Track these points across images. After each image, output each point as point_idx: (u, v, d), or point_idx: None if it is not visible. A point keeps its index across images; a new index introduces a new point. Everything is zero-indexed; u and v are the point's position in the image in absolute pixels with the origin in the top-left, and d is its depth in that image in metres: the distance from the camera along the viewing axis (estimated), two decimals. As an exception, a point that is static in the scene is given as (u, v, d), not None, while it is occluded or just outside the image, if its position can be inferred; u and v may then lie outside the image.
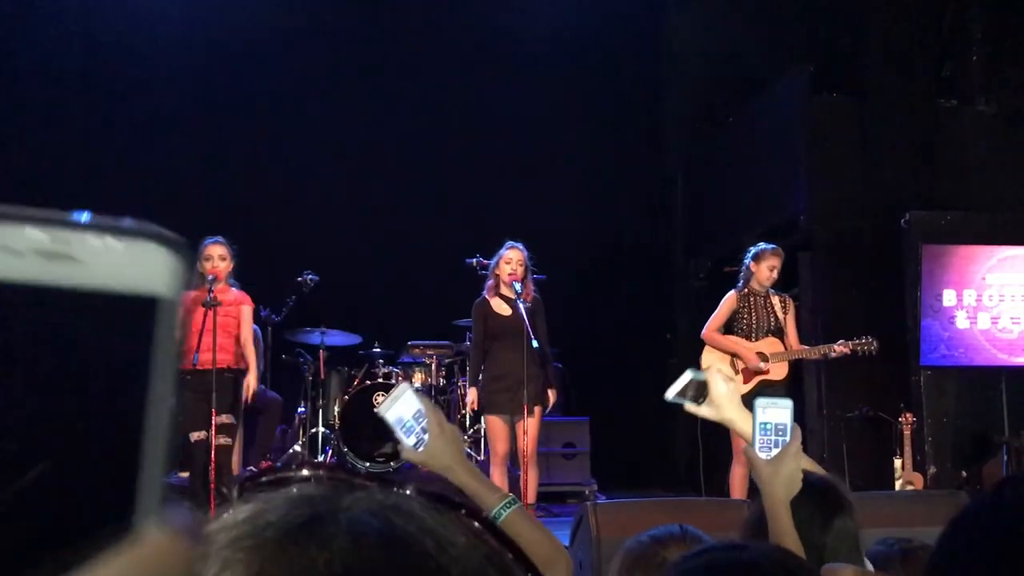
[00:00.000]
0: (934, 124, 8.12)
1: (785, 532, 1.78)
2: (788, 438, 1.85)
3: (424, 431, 1.88)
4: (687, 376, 1.99)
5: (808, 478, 2.04)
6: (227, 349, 5.74)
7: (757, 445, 1.86)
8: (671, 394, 1.98)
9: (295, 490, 0.59)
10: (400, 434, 1.90)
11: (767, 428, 1.86)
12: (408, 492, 0.60)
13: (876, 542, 2.35)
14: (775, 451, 1.85)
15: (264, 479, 0.65)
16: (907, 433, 6.68)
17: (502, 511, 1.85)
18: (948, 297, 7.17)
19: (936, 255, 7.21)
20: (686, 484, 8.76)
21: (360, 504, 0.56)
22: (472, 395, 6.18)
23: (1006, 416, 7.06)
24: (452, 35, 9.77)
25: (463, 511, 0.62)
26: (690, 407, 1.99)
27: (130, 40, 9.29)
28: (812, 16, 8.92)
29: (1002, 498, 1.01)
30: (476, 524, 0.60)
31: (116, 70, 9.25)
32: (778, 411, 1.87)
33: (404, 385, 1.94)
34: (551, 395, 6.05)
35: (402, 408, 1.90)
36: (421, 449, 1.88)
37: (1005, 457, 6.87)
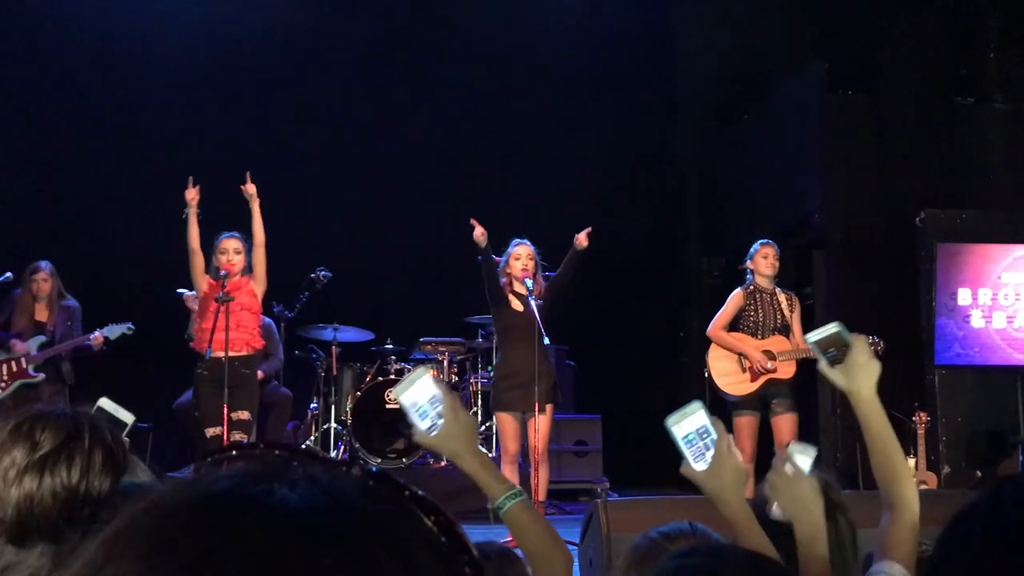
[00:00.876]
0: (950, 122, 8.07)
1: (753, 533, 1.76)
2: (715, 436, 1.82)
3: (439, 416, 1.86)
4: (833, 327, 1.93)
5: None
6: (247, 328, 5.75)
7: (691, 459, 1.82)
8: (813, 337, 1.94)
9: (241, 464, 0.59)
10: (414, 417, 1.87)
11: (691, 440, 1.82)
12: (353, 471, 0.59)
13: None
14: (709, 454, 1.81)
15: (231, 453, 0.65)
16: (921, 433, 6.65)
17: (506, 502, 1.84)
18: (963, 296, 7.13)
19: (951, 254, 7.17)
20: (691, 482, 8.74)
21: (286, 479, 0.55)
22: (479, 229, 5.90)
23: (1021, 416, 7.02)
24: (464, 34, 9.76)
25: (408, 493, 0.60)
26: (823, 365, 1.95)
27: (147, 34, 9.31)
28: (826, 13, 8.87)
29: (1000, 498, 1.00)
30: (422, 509, 0.58)
31: (132, 65, 9.28)
32: (691, 418, 1.82)
33: (421, 369, 1.90)
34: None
35: (418, 392, 1.88)
36: (433, 433, 1.86)
37: (1020, 457, 6.84)
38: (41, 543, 1.18)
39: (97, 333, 6.78)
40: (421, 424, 1.87)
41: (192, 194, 5.85)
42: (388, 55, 9.84)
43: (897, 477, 1.94)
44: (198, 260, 5.77)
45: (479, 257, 5.97)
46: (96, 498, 1.20)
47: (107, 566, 0.52)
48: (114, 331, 6.80)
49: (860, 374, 1.93)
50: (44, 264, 6.96)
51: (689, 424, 1.82)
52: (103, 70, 9.20)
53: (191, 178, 5.90)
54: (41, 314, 6.91)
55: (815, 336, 1.97)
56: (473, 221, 5.92)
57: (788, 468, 1.86)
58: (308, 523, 0.53)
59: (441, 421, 1.86)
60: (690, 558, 1.22)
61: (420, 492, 0.59)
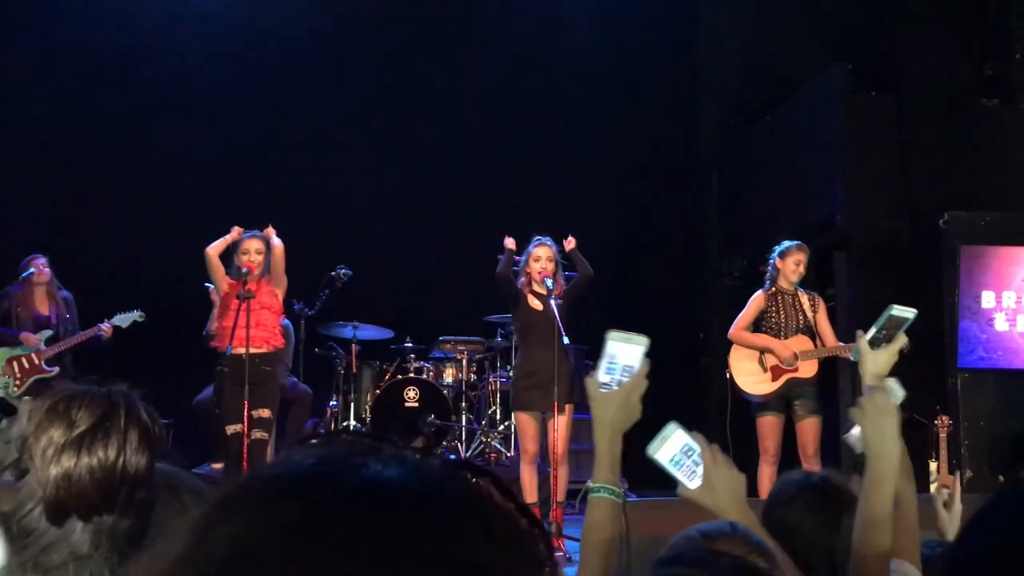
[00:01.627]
0: (974, 123, 8.00)
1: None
2: (699, 451, 1.81)
3: (619, 384, 1.85)
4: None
5: (810, 479, 2.03)
6: (266, 327, 5.78)
7: (685, 480, 1.81)
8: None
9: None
10: (602, 363, 1.86)
11: (678, 461, 1.81)
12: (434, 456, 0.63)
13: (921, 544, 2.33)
14: (700, 469, 1.81)
15: (317, 438, 0.68)
16: (943, 436, 6.59)
17: (598, 494, 1.84)
18: (987, 299, 7.06)
19: (975, 256, 7.11)
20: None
21: (379, 457, 0.59)
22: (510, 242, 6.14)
23: (1044, 420, 6.95)
24: (486, 33, 9.77)
25: (486, 476, 0.64)
26: (864, 346, 2.00)
27: (166, 30, 9.36)
28: (850, 13, 8.82)
29: (1019, 499, 1.00)
30: (498, 490, 0.62)
31: (149, 60, 9.33)
32: (671, 441, 1.81)
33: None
34: None
35: (626, 351, 1.87)
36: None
37: (1043, 462, 6.77)
38: (79, 521, 1.19)
39: (107, 323, 6.81)
40: (601, 375, 1.86)
41: (234, 235, 5.90)
42: (409, 54, 9.86)
43: (901, 472, 1.96)
44: (218, 265, 5.83)
45: (500, 256, 6.00)
46: (133, 476, 1.21)
47: (216, 528, 0.56)
48: (125, 319, 6.83)
49: (866, 362, 2.00)
50: (41, 255, 6.97)
51: (671, 447, 1.82)
52: (120, 66, 9.24)
53: (237, 228, 5.93)
54: (42, 307, 6.94)
55: (877, 326, 2.04)
56: (509, 239, 6.09)
57: (881, 399, 1.85)
58: (401, 493, 0.57)
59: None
60: (671, 568, 1.21)
61: (496, 475, 0.63)
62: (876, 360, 2.01)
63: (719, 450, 1.84)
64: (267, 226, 6.04)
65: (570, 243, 6.19)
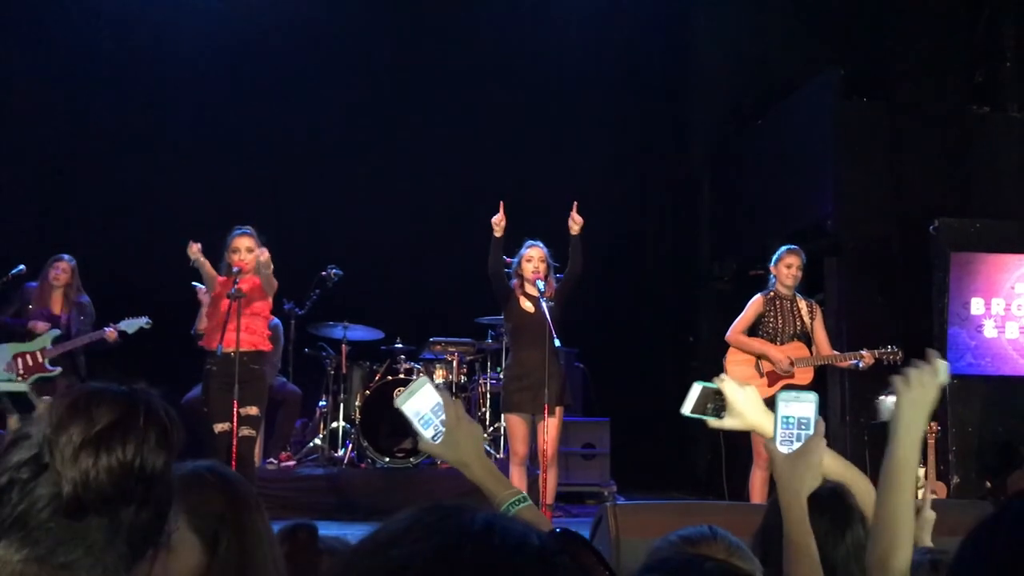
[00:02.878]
0: (965, 130, 8.03)
1: (799, 529, 1.74)
2: (811, 431, 1.80)
3: (443, 424, 1.87)
4: (696, 389, 1.93)
5: (817, 491, 2.02)
6: (254, 331, 5.75)
7: (778, 439, 1.81)
8: (687, 410, 1.93)
9: None
10: (417, 426, 1.88)
11: (789, 422, 1.81)
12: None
13: None
14: (796, 445, 1.79)
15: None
16: (931, 442, 6.61)
17: (510, 508, 1.83)
18: (976, 306, 7.09)
19: (964, 263, 7.14)
20: (705, 487, 8.72)
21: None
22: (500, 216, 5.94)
23: (1032, 427, 6.98)
24: (480, 36, 9.76)
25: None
26: (713, 422, 1.94)
27: (166, 30, 9.35)
28: (842, 19, 8.84)
29: (1020, 512, 0.99)
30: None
31: (149, 61, 9.31)
32: (802, 405, 1.81)
33: (423, 379, 1.92)
34: None
35: (420, 401, 1.89)
36: (438, 441, 1.87)
37: (1031, 468, 6.79)
38: (96, 518, 1.20)
39: (112, 328, 6.81)
40: (425, 432, 1.88)
41: (194, 251, 5.74)
42: (403, 55, 9.85)
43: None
44: (207, 266, 5.77)
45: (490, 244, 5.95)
46: (150, 475, 1.22)
47: None
48: (132, 325, 6.84)
49: (743, 408, 1.92)
50: (67, 256, 7.02)
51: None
52: (120, 65, 9.23)
53: (190, 241, 5.75)
54: (56, 306, 6.95)
55: (688, 406, 1.94)
56: (502, 207, 5.92)
57: (928, 373, 1.83)
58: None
59: (444, 429, 1.87)
60: (656, 574, 1.21)
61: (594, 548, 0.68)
62: (747, 403, 1.96)
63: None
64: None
65: (577, 222, 6.03)
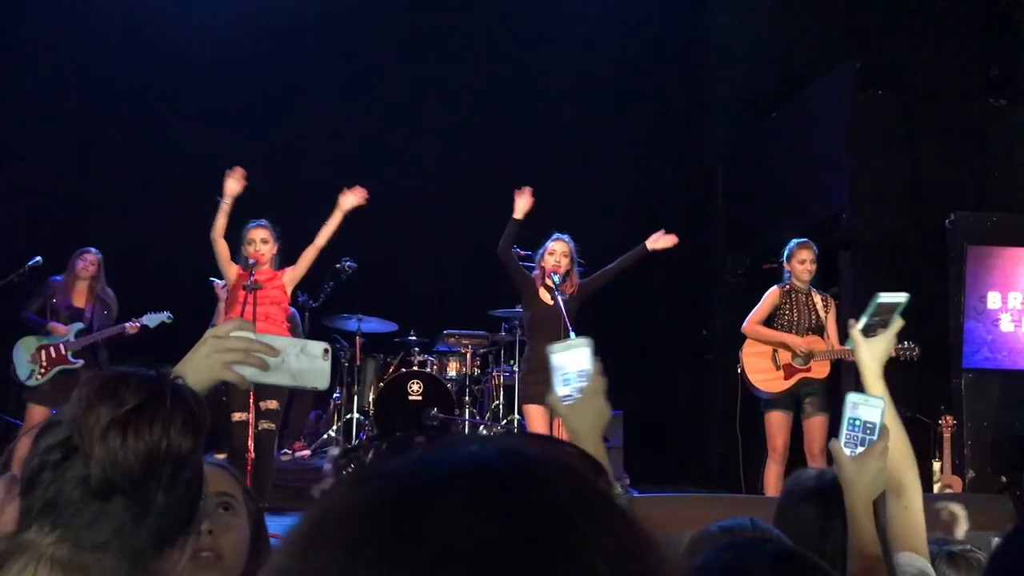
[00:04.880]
0: (982, 123, 7.99)
1: (863, 531, 1.75)
2: (876, 437, 1.80)
3: (579, 391, 1.83)
4: (875, 301, 2.03)
5: (824, 478, 2.03)
6: (273, 319, 5.78)
7: (843, 440, 1.81)
8: (862, 323, 2.03)
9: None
10: (557, 378, 1.84)
11: (855, 424, 1.81)
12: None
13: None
14: (860, 449, 1.80)
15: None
16: (947, 436, 6.59)
17: None
18: (992, 299, 7.05)
19: (981, 256, 7.10)
20: (719, 481, 8.71)
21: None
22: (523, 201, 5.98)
23: (1048, 421, 6.94)
24: (493, 26, 9.76)
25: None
26: (858, 335, 2.04)
27: (183, 26, 9.37)
28: (859, 11, 8.80)
29: None
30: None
31: (165, 57, 9.34)
32: (869, 409, 1.82)
33: (587, 340, 1.88)
34: None
35: (572, 358, 1.85)
36: (567, 403, 1.82)
37: (1047, 463, 6.76)
38: (124, 499, 1.22)
39: (135, 322, 6.87)
40: (560, 389, 1.84)
41: (235, 186, 5.83)
42: (416, 49, 9.84)
43: (905, 463, 1.96)
44: (222, 248, 5.80)
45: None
46: (177, 456, 1.24)
47: (301, 565, 0.56)
48: (153, 320, 6.92)
49: (862, 352, 2.01)
50: (95, 249, 7.07)
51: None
52: (137, 61, 9.26)
53: (238, 168, 5.88)
54: (79, 300, 6.99)
55: (862, 321, 2.04)
56: (528, 192, 5.93)
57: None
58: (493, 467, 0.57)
59: (579, 396, 1.83)
60: (722, 552, 1.24)
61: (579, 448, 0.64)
62: (872, 349, 2.01)
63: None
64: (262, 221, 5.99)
65: (657, 242, 6.30)
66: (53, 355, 6.81)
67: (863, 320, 2.01)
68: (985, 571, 1.07)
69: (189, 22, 9.40)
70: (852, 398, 1.83)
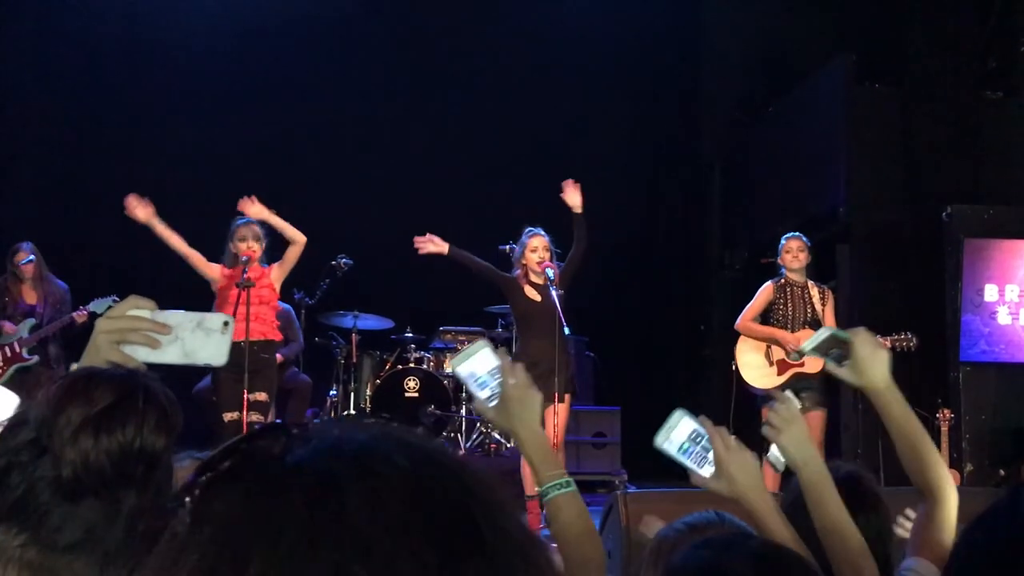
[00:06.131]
0: (978, 116, 7.97)
1: (775, 525, 1.69)
2: (707, 442, 1.74)
3: (498, 387, 1.80)
4: (824, 332, 1.95)
5: (835, 474, 2.00)
6: (263, 319, 5.76)
7: (696, 467, 1.75)
8: (807, 347, 1.95)
9: None
10: (473, 387, 1.82)
11: (687, 449, 1.76)
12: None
13: None
14: (711, 454, 1.74)
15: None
16: (944, 430, 6.57)
17: (551, 490, 1.76)
18: (990, 292, 7.04)
19: (978, 249, 7.09)
20: (717, 476, 8.71)
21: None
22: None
23: (1046, 415, 6.93)
24: (489, 24, 9.73)
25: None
26: (831, 366, 1.94)
27: (169, 22, 9.34)
28: (855, 5, 8.78)
29: (1020, 500, 0.98)
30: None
31: (152, 54, 9.31)
32: (679, 429, 1.76)
33: (482, 342, 1.85)
34: None
35: (477, 363, 1.82)
36: (492, 404, 1.79)
37: (1045, 456, 6.75)
38: (96, 501, 1.20)
39: (82, 309, 6.78)
40: (480, 394, 1.81)
41: (142, 214, 5.73)
42: (412, 45, 9.82)
43: (926, 464, 1.89)
44: (192, 255, 5.77)
45: (503, 247, 5.95)
46: (150, 456, 1.22)
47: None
48: (100, 305, 6.78)
49: (868, 366, 1.89)
50: (25, 245, 6.92)
51: (678, 435, 1.76)
52: (122, 58, 9.23)
53: (132, 197, 5.77)
54: (30, 297, 6.90)
55: (810, 345, 1.96)
56: (418, 239, 6.11)
57: (783, 409, 1.83)
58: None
59: (499, 392, 1.80)
60: (701, 550, 1.21)
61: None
62: (878, 371, 1.93)
63: (727, 432, 1.76)
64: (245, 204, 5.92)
65: (573, 199, 6.05)
66: (8, 354, 6.74)
67: (828, 363, 1.96)
68: (951, 554, 1.05)
69: (181, 16, 9.35)
70: (658, 441, 1.76)
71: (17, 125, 8.94)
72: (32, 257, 6.87)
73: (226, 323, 1.60)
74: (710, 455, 1.74)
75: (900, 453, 1.92)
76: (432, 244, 6.00)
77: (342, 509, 0.55)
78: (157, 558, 0.58)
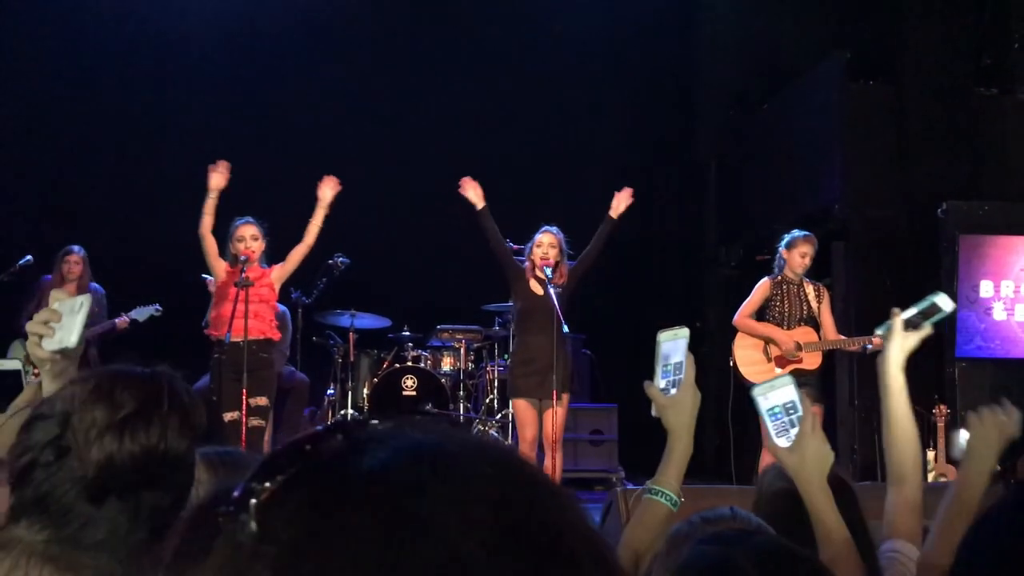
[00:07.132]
0: (973, 113, 7.99)
1: (826, 516, 1.73)
2: (801, 413, 1.78)
3: (675, 384, 1.84)
4: (929, 299, 2.00)
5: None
6: (263, 318, 5.76)
7: (774, 433, 1.79)
8: (909, 313, 2.02)
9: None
10: (657, 368, 1.86)
11: (776, 412, 1.79)
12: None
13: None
14: (793, 431, 1.78)
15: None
16: (940, 425, 6.60)
17: (661, 495, 1.84)
18: (985, 288, 7.06)
19: (973, 246, 7.11)
20: (713, 472, 8.72)
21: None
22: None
23: (1042, 410, 6.94)
24: (487, 22, 9.73)
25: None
26: (899, 324, 2.01)
27: (170, 20, 9.34)
28: (849, 2, 8.79)
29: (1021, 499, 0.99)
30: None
31: (154, 51, 9.30)
32: (780, 391, 1.80)
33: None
34: None
35: (674, 349, 1.87)
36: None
37: (1040, 451, 6.77)
38: (118, 502, 1.21)
39: (124, 316, 6.85)
40: (659, 381, 1.86)
41: (219, 179, 5.79)
42: (407, 42, 9.82)
43: (907, 451, 1.98)
44: (210, 244, 5.77)
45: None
46: (174, 459, 1.23)
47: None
48: (143, 313, 6.89)
49: (895, 342, 2.02)
50: (77, 248, 7.04)
51: (777, 397, 1.80)
52: (126, 56, 9.22)
53: (221, 162, 5.84)
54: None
55: (910, 311, 2.04)
56: (465, 181, 6.11)
57: (1001, 413, 1.95)
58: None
59: (675, 390, 1.84)
60: (707, 546, 1.22)
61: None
62: (905, 343, 2.00)
63: (818, 419, 1.80)
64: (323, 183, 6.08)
65: (622, 204, 6.24)
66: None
67: (911, 312, 2.00)
68: (957, 551, 1.06)
69: (182, 14, 9.35)
70: (757, 391, 1.80)
71: (17, 125, 8.93)
72: (81, 257, 6.99)
73: (82, 304, 1.63)
74: (793, 432, 1.77)
75: (889, 433, 2.00)
76: (473, 191, 5.99)
77: (430, 522, 0.50)
78: (215, 570, 0.52)
